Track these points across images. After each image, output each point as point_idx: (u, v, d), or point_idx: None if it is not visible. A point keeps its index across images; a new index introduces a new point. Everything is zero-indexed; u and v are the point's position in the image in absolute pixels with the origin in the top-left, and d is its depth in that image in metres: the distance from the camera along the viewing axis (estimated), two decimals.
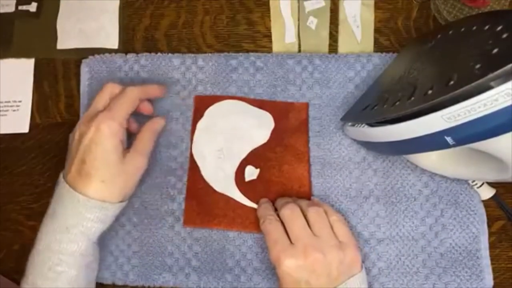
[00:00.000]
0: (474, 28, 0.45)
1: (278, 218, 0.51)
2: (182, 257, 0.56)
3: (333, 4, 0.61)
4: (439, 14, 0.59)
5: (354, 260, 0.49)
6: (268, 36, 0.61)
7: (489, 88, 0.38)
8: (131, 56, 0.61)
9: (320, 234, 0.49)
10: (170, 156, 0.58)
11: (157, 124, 0.56)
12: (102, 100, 0.53)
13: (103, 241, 0.57)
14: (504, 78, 0.37)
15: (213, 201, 0.56)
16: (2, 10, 0.64)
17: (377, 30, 0.60)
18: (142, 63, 0.61)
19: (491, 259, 0.54)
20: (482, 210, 0.54)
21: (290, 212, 0.50)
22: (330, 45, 0.60)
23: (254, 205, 0.56)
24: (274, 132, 0.57)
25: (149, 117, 0.57)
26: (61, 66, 0.63)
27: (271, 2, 0.62)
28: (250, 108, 0.58)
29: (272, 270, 0.55)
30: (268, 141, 0.57)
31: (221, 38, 0.62)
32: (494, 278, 0.53)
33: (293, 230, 0.49)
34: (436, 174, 0.55)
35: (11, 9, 0.65)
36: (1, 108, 0.62)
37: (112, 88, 0.54)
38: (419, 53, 0.51)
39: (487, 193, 0.55)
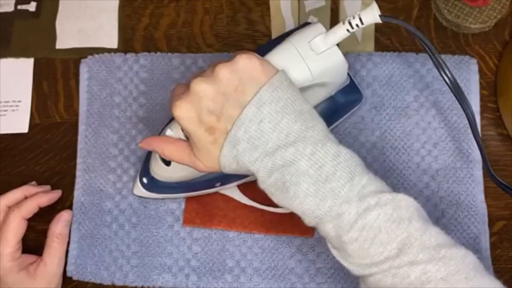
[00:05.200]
0: None
1: None
2: (182, 258, 0.56)
3: (334, 4, 0.61)
4: (439, 14, 0.59)
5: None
6: (268, 36, 0.61)
7: None
8: (130, 56, 0.61)
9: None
10: None
11: (63, 217, 0.56)
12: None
13: (102, 242, 0.57)
14: None
15: (213, 201, 0.56)
16: (1, 10, 0.64)
17: (377, 30, 0.60)
18: (141, 62, 0.60)
19: (492, 260, 0.53)
20: (483, 211, 0.54)
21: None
22: None
23: (254, 205, 0.56)
24: None
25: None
26: (60, 65, 0.63)
27: (271, 2, 0.62)
28: None
29: (272, 271, 0.55)
30: None
31: (221, 38, 0.62)
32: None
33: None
34: (437, 175, 0.55)
35: (10, 8, 0.64)
36: (1, 108, 0.61)
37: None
38: None
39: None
